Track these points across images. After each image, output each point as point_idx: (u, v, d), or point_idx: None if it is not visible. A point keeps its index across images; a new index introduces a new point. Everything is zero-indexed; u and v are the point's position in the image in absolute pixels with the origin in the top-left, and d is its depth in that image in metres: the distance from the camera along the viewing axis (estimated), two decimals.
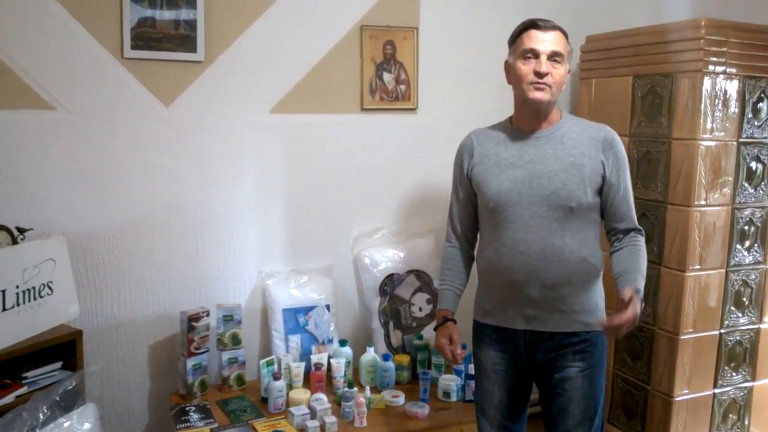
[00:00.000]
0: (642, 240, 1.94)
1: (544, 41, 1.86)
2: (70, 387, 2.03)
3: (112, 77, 2.37)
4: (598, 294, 1.97)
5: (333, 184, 2.76)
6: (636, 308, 1.73)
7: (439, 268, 2.13)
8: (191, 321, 2.43)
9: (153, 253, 2.52)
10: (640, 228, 1.95)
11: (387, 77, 2.78)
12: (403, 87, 2.81)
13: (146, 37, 2.38)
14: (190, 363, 2.43)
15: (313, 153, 2.72)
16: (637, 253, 1.91)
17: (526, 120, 1.95)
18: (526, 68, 1.88)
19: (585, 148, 1.90)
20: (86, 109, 2.36)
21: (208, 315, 2.49)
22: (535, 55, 1.86)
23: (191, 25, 2.43)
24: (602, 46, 2.85)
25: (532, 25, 1.90)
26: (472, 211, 2.07)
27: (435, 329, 2.08)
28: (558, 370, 1.93)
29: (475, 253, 2.10)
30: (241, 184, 2.62)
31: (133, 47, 2.37)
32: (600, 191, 1.92)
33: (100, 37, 2.33)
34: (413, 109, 2.85)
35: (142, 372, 2.57)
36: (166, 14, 2.39)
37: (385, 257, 2.79)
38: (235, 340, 2.54)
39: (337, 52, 2.69)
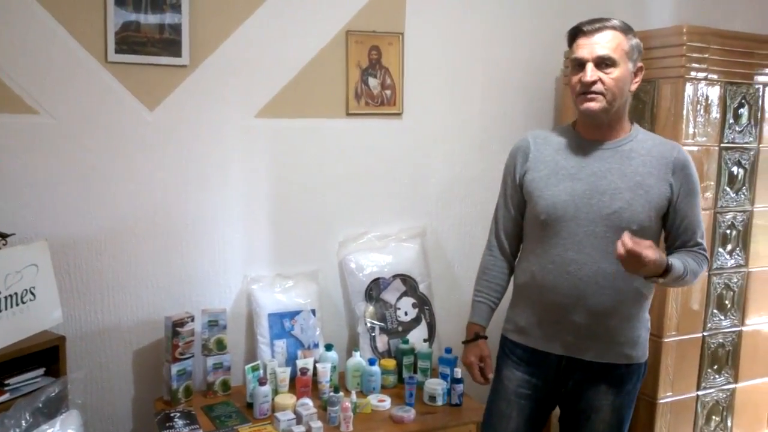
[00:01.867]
0: (705, 255, 1.80)
1: (589, 47, 1.72)
2: (53, 394, 2.01)
3: (96, 81, 2.36)
4: (643, 326, 1.85)
5: (318, 188, 2.76)
6: (644, 251, 1.55)
7: (476, 277, 2.01)
8: (176, 326, 2.42)
9: (137, 258, 2.50)
10: (705, 249, 1.82)
11: (372, 82, 2.78)
12: (388, 92, 2.82)
13: (130, 41, 2.36)
14: (175, 369, 2.41)
15: (298, 157, 2.72)
16: (690, 254, 1.78)
17: (589, 129, 1.80)
18: (575, 78, 1.75)
19: (654, 168, 1.75)
20: (69, 114, 2.34)
21: (193, 320, 2.48)
22: (581, 63, 1.73)
23: (176, 29, 2.42)
24: None
25: (577, 30, 1.76)
26: (519, 221, 1.92)
27: (464, 343, 1.97)
28: (588, 400, 1.83)
29: (516, 264, 1.98)
30: (227, 189, 2.61)
31: (117, 51, 2.35)
32: (664, 217, 1.78)
33: (83, 41, 2.32)
34: (398, 114, 2.86)
35: (126, 378, 2.55)
36: (150, 18, 2.38)
37: (371, 261, 2.79)
38: (220, 346, 2.52)
39: (323, 56, 2.69)
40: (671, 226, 1.80)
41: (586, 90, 1.72)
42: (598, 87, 1.71)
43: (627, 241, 1.56)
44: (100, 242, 2.44)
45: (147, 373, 2.56)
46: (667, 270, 1.64)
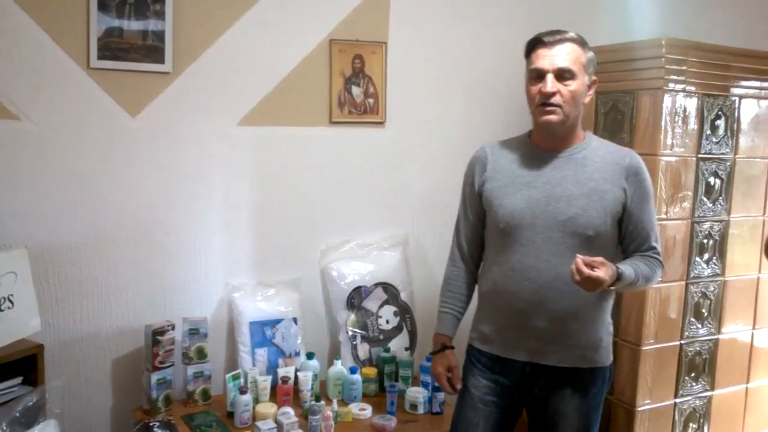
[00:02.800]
0: (658, 260, 1.83)
1: (549, 58, 1.74)
2: (31, 403, 1.98)
3: (78, 87, 2.34)
4: (605, 329, 1.87)
5: (301, 196, 2.76)
6: (600, 274, 1.60)
7: (441, 288, 2.03)
8: (156, 335, 2.40)
9: (117, 265, 2.48)
10: (660, 253, 1.85)
11: (356, 91, 2.80)
12: (371, 100, 2.83)
13: (113, 47, 2.35)
14: (155, 377, 2.39)
15: (281, 165, 2.72)
16: (643, 259, 1.81)
17: (544, 138, 1.84)
18: (533, 90, 1.77)
19: (608, 174, 1.79)
20: (51, 120, 2.32)
21: (173, 328, 2.46)
22: (541, 75, 1.75)
23: (159, 36, 2.41)
24: None
25: (537, 41, 1.78)
26: (480, 230, 1.95)
27: (432, 354, 1.99)
28: (554, 406, 1.84)
29: (479, 273, 2.01)
30: (208, 196, 2.60)
31: (100, 57, 2.34)
32: (619, 221, 1.81)
33: (66, 46, 2.30)
34: (381, 123, 2.87)
35: (105, 387, 2.52)
36: (133, 25, 2.37)
37: (353, 270, 2.79)
38: (201, 354, 2.51)
39: (306, 65, 2.69)
40: (626, 231, 1.83)
41: (545, 101, 1.75)
42: (557, 99, 1.74)
43: (581, 268, 1.61)
44: (80, 250, 2.41)
45: (126, 382, 2.53)
46: (618, 278, 1.68)
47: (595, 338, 1.85)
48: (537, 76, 1.76)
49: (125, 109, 2.42)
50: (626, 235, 1.84)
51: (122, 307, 2.51)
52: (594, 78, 1.83)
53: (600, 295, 1.81)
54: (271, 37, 2.62)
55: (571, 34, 1.78)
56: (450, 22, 2.92)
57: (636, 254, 1.84)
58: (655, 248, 1.85)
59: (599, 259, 1.64)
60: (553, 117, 1.75)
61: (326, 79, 2.74)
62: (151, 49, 2.41)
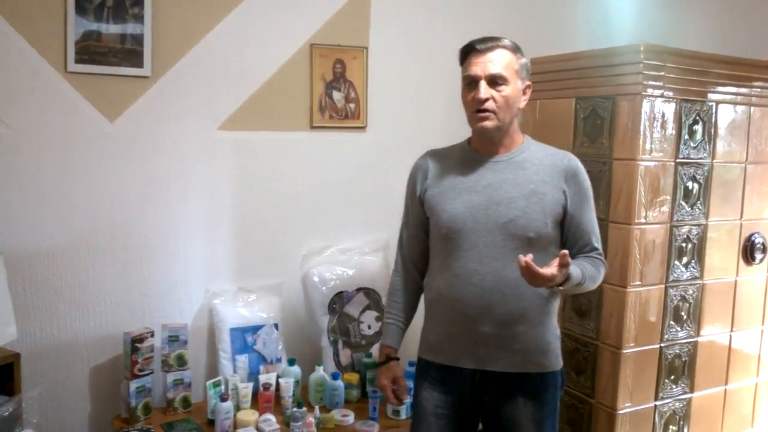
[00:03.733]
0: (601, 260, 1.85)
1: (482, 65, 1.77)
2: (7, 413, 1.95)
3: (55, 91, 2.31)
4: (552, 333, 1.87)
5: (282, 201, 2.75)
6: (555, 272, 1.60)
7: (386, 299, 2.03)
8: (135, 342, 2.37)
9: (95, 272, 2.45)
10: (602, 253, 1.87)
11: (336, 95, 2.79)
12: (352, 105, 2.83)
13: (91, 50, 2.33)
14: (134, 385, 2.36)
15: (261, 170, 2.70)
16: (588, 259, 1.82)
17: (483, 144, 1.86)
18: (468, 96, 1.79)
19: (547, 176, 1.81)
20: (27, 124, 2.29)
21: (152, 336, 2.43)
22: (474, 81, 1.77)
23: (138, 39, 2.39)
24: (546, 68, 2.92)
25: (470, 48, 1.80)
26: (423, 238, 1.95)
27: (376, 366, 1.99)
28: (508, 415, 1.82)
29: (424, 282, 2.01)
30: (188, 202, 2.58)
31: (77, 61, 2.31)
32: (560, 223, 1.83)
33: (42, 50, 2.27)
34: (362, 128, 2.86)
35: (83, 396, 2.48)
36: (112, 28, 2.34)
37: (334, 275, 2.78)
38: (181, 361, 2.48)
39: (287, 69, 2.68)
40: (568, 233, 1.85)
41: (479, 107, 1.77)
42: (490, 104, 1.76)
43: (529, 263, 1.59)
44: (57, 256, 2.38)
45: (105, 391, 2.50)
46: (567, 278, 1.68)
47: (543, 342, 1.84)
48: (470, 82, 1.79)
49: (103, 114, 2.40)
50: (569, 237, 1.85)
51: (100, 314, 2.47)
52: (528, 83, 1.86)
53: (545, 299, 1.82)
54: (252, 41, 2.61)
55: (504, 41, 1.81)
56: (430, 26, 2.93)
57: (580, 255, 1.85)
58: (597, 249, 1.87)
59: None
60: (488, 123, 1.78)
61: (307, 83, 2.73)
62: (129, 52, 2.38)
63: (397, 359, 1.97)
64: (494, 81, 1.77)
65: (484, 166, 1.85)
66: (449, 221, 1.82)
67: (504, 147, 1.85)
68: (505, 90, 1.78)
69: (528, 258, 1.60)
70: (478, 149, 1.88)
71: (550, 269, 1.61)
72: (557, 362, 1.90)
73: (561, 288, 1.72)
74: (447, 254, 1.84)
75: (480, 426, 1.97)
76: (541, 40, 3.14)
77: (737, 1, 3.17)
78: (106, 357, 2.50)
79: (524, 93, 1.86)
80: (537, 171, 1.82)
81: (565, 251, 1.63)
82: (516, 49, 1.82)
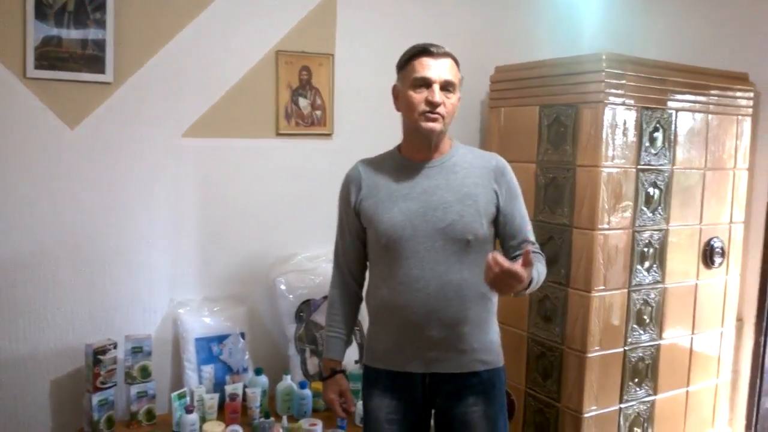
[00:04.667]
0: (540, 252, 1.89)
1: (436, 69, 1.78)
2: None
3: (14, 98, 2.26)
4: (494, 330, 1.92)
5: (247, 209, 2.72)
6: (520, 269, 1.58)
7: (326, 312, 2.03)
8: (97, 354, 2.32)
9: (56, 282, 2.39)
10: (538, 246, 1.92)
11: (303, 102, 2.78)
12: (318, 112, 2.82)
13: (51, 56, 2.28)
14: (96, 398, 2.31)
15: (227, 178, 2.68)
16: (533, 254, 1.81)
17: (416, 149, 1.88)
18: (418, 97, 1.79)
19: (478, 178, 1.85)
20: None
21: (115, 347, 2.38)
22: (428, 84, 1.78)
23: (100, 45, 2.35)
24: (511, 76, 2.96)
25: (424, 51, 1.81)
26: (360, 249, 1.97)
27: (322, 380, 1.98)
28: (459, 416, 1.85)
29: (364, 292, 2.02)
30: (152, 210, 2.54)
31: (37, 67, 2.26)
32: (494, 222, 1.87)
33: (0, 55, 2.22)
34: (329, 135, 2.86)
35: (44, 410, 2.42)
36: (73, 33, 2.30)
37: (301, 283, 2.76)
38: (145, 373, 2.43)
39: (252, 76, 2.67)
40: (503, 230, 1.89)
41: (431, 110, 1.79)
42: (441, 109, 1.79)
43: (500, 260, 1.57)
44: (16, 267, 2.32)
45: (66, 404, 2.44)
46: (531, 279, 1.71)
47: (487, 340, 1.89)
48: (423, 84, 1.79)
49: (63, 121, 2.35)
50: (505, 234, 1.90)
51: (61, 326, 2.42)
52: (459, 95, 1.90)
53: (487, 299, 1.87)
54: (217, 48, 2.59)
55: (450, 51, 1.85)
56: (396, 33, 2.94)
57: (520, 252, 1.85)
58: (533, 242, 1.92)
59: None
60: (436, 125, 1.80)
61: (273, 90, 2.72)
62: (91, 58, 2.34)
63: (343, 371, 1.98)
64: (446, 87, 1.80)
65: (417, 172, 1.87)
66: (388, 230, 1.83)
67: (436, 152, 1.88)
68: (453, 98, 1.83)
69: (499, 258, 1.58)
70: (410, 156, 1.90)
71: (520, 267, 1.60)
72: (501, 359, 1.95)
73: (528, 291, 1.74)
74: (389, 263, 1.85)
75: (432, 429, 1.99)
76: (506, 48, 3.20)
77: (698, 11, 3.25)
78: (68, 370, 2.44)
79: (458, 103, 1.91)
80: (467, 174, 1.86)
81: (528, 248, 1.64)
82: (458, 62, 1.86)
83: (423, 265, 1.81)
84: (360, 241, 1.96)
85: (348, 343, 2.01)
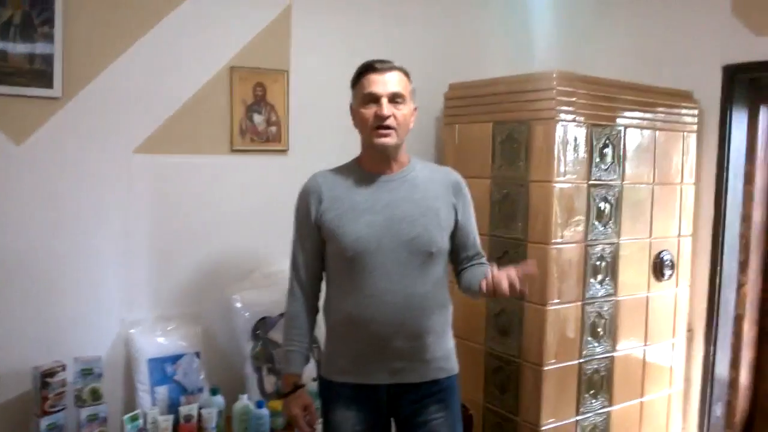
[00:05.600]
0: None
1: (383, 83, 1.83)
2: None
3: None
4: (451, 339, 1.99)
5: (202, 226, 2.68)
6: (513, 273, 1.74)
7: (284, 327, 2.02)
8: (45, 377, 2.24)
9: (1, 303, 2.31)
10: (484, 255, 2.03)
11: (257, 118, 2.76)
12: (273, 128, 2.81)
13: None
14: (44, 423, 2.23)
15: (180, 194, 2.64)
16: (483, 266, 1.96)
17: (375, 163, 1.91)
18: (368, 113, 1.84)
19: (438, 192, 1.91)
20: None
21: (64, 369, 2.31)
22: (375, 98, 1.83)
23: (48, 59, 2.29)
24: (464, 93, 3.00)
25: (369, 68, 1.87)
26: (319, 262, 1.97)
27: (282, 396, 1.97)
28: (422, 424, 1.90)
29: (321, 305, 2.02)
30: (102, 227, 2.48)
31: None
32: (452, 235, 1.94)
33: None
34: (284, 151, 2.84)
35: None
36: (19, 47, 2.24)
37: (258, 300, 2.72)
38: (95, 396, 2.36)
39: (206, 92, 2.64)
40: (459, 242, 1.97)
41: (380, 124, 1.82)
42: (391, 121, 1.83)
43: (512, 274, 1.74)
44: None
45: (14, 429, 2.34)
46: None
47: (447, 348, 1.96)
48: (371, 100, 1.84)
49: (8, 136, 2.29)
50: (459, 246, 1.98)
51: (6, 348, 2.33)
52: (415, 106, 1.95)
53: (446, 309, 1.95)
54: (170, 62, 2.56)
55: (398, 64, 1.89)
56: (352, 50, 2.94)
57: (474, 265, 1.99)
58: (483, 254, 2.04)
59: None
60: (388, 140, 1.84)
61: (227, 106, 2.69)
62: (38, 73, 2.29)
63: (304, 386, 1.97)
64: (394, 99, 1.84)
65: (378, 185, 1.89)
66: (354, 243, 1.83)
67: (395, 166, 1.91)
68: (404, 109, 1.86)
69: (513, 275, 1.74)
70: (370, 169, 1.92)
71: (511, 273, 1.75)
72: (457, 366, 2.01)
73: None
74: (352, 276, 1.86)
75: None
76: (460, 66, 3.24)
77: (645, 30, 3.35)
78: (14, 394, 2.35)
79: (413, 115, 1.94)
80: (428, 188, 1.91)
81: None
82: (407, 74, 1.91)
83: (390, 277, 1.83)
84: (319, 255, 1.96)
85: (308, 358, 1.99)
